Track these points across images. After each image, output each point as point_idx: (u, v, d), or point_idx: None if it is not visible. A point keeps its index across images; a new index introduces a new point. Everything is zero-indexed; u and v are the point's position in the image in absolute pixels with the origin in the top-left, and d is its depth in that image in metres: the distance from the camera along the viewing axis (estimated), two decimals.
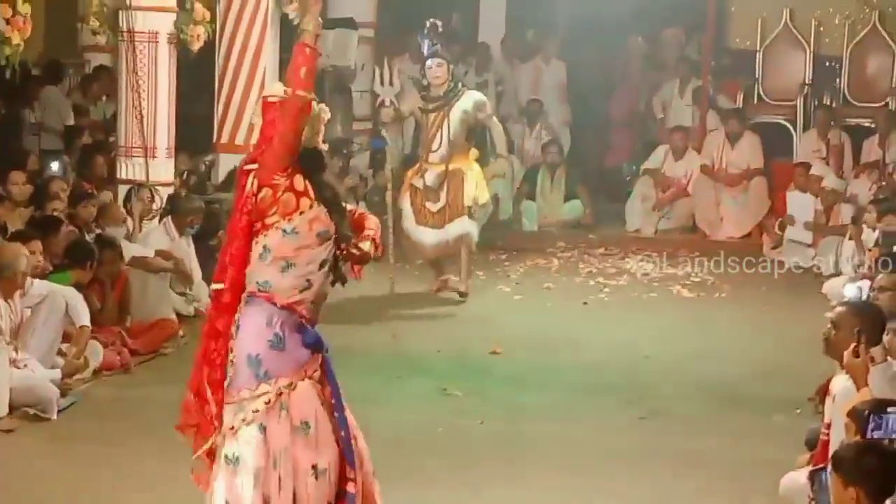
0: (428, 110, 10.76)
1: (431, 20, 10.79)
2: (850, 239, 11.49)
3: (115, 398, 8.02)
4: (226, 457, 4.87)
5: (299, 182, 4.91)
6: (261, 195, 4.90)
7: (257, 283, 4.91)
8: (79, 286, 8.48)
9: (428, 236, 10.74)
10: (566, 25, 16.94)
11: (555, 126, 15.69)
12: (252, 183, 4.93)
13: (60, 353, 8.09)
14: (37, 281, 8.05)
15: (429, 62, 10.73)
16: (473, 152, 10.94)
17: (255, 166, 4.96)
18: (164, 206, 10.44)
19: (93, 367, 8.28)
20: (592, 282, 11.90)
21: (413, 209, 10.81)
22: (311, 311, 5.01)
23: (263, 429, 4.86)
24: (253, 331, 4.90)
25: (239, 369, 4.90)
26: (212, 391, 4.98)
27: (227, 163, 11.96)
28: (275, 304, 4.89)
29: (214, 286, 5.06)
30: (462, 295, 10.88)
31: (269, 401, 4.87)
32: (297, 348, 4.95)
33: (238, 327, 4.92)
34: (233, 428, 4.87)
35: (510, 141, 15.03)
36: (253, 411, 4.86)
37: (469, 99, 10.75)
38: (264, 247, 4.90)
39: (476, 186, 10.74)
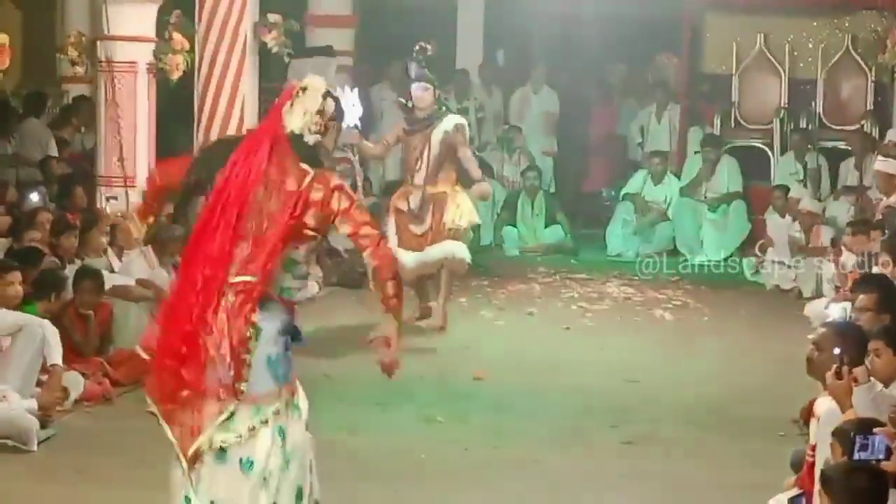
0: (411, 132, 10.75)
1: (420, 43, 10.77)
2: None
3: (95, 429, 7.96)
4: (240, 461, 4.93)
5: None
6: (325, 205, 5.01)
7: (281, 287, 5.07)
8: (54, 317, 8.42)
9: (409, 259, 10.69)
10: (544, 52, 17.01)
11: (535, 153, 15.69)
12: (314, 189, 4.99)
13: (40, 383, 8.03)
14: (10, 312, 7.99)
15: (415, 85, 10.69)
16: (452, 176, 10.84)
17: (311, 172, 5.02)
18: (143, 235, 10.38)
19: (73, 397, 8.22)
20: (574, 306, 11.90)
21: (397, 232, 10.76)
22: None
23: (283, 431, 4.98)
24: (272, 335, 4.99)
25: (258, 372, 4.96)
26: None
27: None
28: (289, 313, 5.07)
29: (244, 277, 4.95)
30: (440, 329, 10.78)
31: (287, 401, 5.01)
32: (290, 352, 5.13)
33: (259, 330, 4.96)
34: (253, 428, 4.94)
35: (489, 167, 15.07)
36: (274, 413, 4.97)
37: (450, 121, 10.68)
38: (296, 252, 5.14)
39: (458, 208, 10.69)
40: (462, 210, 10.66)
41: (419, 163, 10.65)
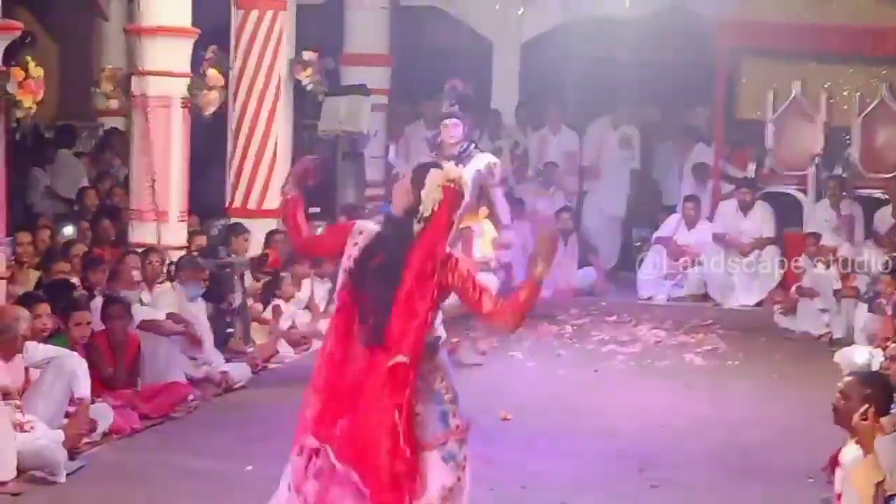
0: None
1: (452, 81, 10.83)
2: (865, 306, 11.45)
3: (123, 462, 7.94)
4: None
5: None
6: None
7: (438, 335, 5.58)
8: (83, 348, 8.42)
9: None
10: (580, 94, 17.00)
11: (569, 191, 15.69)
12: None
13: (68, 415, 8.03)
14: (40, 345, 8.00)
15: (445, 121, 10.69)
16: (483, 210, 10.84)
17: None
18: (173, 269, 10.39)
19: (102, 429, 8.23)
20: (604, 349, 11.86)
21: None
22: None
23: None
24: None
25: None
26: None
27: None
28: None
29: (400, 359, 5.28)
30: (482, 353, 10.97)
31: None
32: None
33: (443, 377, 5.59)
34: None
35: (521, 202, 14.97)
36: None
37: (482, 159, 10.67)
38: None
39: (484, 242, 10.65)
40: (486, 243, 10.65)
41: None
